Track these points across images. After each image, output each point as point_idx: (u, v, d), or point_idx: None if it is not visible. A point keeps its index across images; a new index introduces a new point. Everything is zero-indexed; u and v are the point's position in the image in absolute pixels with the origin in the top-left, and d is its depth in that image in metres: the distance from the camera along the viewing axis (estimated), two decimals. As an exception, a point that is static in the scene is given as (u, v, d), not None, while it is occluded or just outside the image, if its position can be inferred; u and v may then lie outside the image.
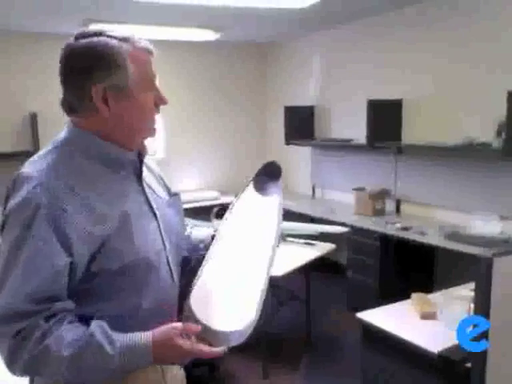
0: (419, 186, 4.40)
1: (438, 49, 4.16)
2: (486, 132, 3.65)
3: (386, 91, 4.60)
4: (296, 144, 5.58)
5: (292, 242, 3.71)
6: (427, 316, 2.21)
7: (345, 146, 5.09)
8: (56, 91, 5.18)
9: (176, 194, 1.36)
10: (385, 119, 4.43)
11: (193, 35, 5.27)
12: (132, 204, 1.17)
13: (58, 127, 5.20)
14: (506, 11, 3.61)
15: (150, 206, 1.22)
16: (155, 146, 5.81)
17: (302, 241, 3.76)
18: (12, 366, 1.05)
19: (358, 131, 4.75)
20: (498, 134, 3.46)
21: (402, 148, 4.45)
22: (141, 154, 1.24)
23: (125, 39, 1.15)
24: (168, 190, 1.36)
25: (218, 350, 1.09)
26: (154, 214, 1.22)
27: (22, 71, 5.24)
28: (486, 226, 3.54)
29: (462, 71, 3.97)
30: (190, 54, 5.89)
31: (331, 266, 5.06)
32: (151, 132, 1.22)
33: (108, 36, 1.14)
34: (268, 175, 1.47)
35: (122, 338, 1.06)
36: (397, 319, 2.23)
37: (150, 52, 1.20)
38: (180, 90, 5.81)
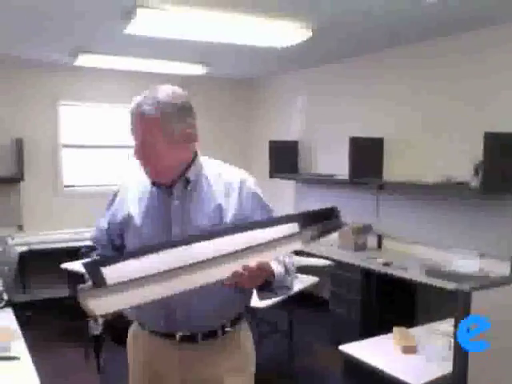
0: (400, 221, 4.49)
1: (418, 89, 4.32)
2: (463, 170, 3.77)
3: (368, 129, 4.74)
4: (280, 177, 5.66)
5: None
6: (408, 350, 2.25)
7: (328, 181, 5.19)
8: (41, 118, 5.27)
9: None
10: (366, 156, 4.55)
11: (181, 69, 5.38)
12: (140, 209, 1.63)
13: (42, 153, 5.27)
14: (482, 54, 3.79)
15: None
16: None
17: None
18: None
19: (340, 167, 4.85)
20: (476, 172, 3.58)
21: (383, 185, 4.56)
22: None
23: None
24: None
25: None
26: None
27: (10, 97, 5.27)
28: (465, 263, 3.62)
29: (441, 112, 4.12)
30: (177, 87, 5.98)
31: (314, 300, 5.07)
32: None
33: None
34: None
35: None
36: (378, 352, 2.26)
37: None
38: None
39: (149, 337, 1.65)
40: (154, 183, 1.60)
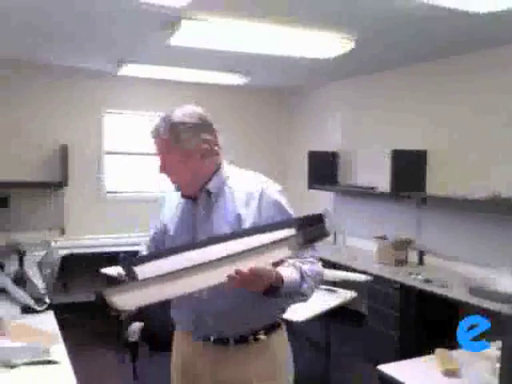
0: (443, 237, 4.36)
1: (463, 100, 4.20)
2: (511, 187, 3.63)
3: (410, 140, 4.64)
4: (319, 189, 5.60)
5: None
6: (450, 373, 2.15)
7: (368, 193, 5.10)
8: (85, 125, 5.39)
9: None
10: (409, 169, 4.45)
11: (221, 79, 5.43)
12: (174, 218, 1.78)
13: (86, 159, 5.38)
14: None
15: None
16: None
17: (324, 286, 3.73)
18: None
19: (381, 178, 4.76)
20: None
21: (425, 198, 4.44)
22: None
23: None
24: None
25: None
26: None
27: (56, 105, 5.44)
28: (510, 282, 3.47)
29: (487, 123, 3.99)
30: (217, 97, 6.03)
31: (351, 314, 4.97)
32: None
33: None
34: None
35: None
36: (419, 375, 2.17)
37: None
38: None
39: (186, 338, 1.76)
40: (183, 195, 1.74)
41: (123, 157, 5.89)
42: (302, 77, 5.59)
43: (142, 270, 1.46)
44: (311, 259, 1.63)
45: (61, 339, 2.37)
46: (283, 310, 1.75)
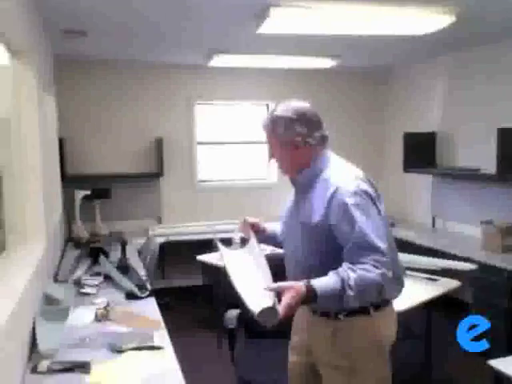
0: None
1: None
2: None
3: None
4: (416, 172, 5.33)
5: (412, 276, 3.50)
6: None
7: (471, 176, 4.76)
8: (178, 118, 5.55)
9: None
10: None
11: (310, 63, 5.32)
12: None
13: (179, 150, 5.54)
14: None
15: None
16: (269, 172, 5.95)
17: (424, 275, 3.54)
18: None
19: (486, 159, 4.42)
20: None
21: (538, 179, 4.05)
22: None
23: None
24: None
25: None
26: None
27: (151, 99, 5.65)
28: None
29: None
30: (307, 82, 5.93)
31: (454, 304, 4.70)
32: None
33: None
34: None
35: None
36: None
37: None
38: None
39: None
40: (290, 179, 1.99)
41: (214, 146, 6.00)
42: (396, 55, 5.32)
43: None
44: (367, 266, 1.64)
45: (163, 325, 2.45)
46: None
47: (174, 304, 5.02)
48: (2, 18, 2.17)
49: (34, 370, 1.97)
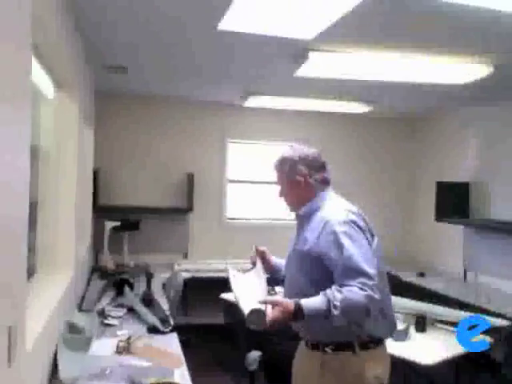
0: None
1: None
2: None
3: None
4: (448, 222, 5.22)
5: (442, 328, 3.38)
6: None
7: (508, 229, 4.62)
8: (210, 154, 5.60)
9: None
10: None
11: (345, 107, 5.37)
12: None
13: (210, 187, 5.58)
14: None
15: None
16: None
17: (453, 329, 3.41)
18: None
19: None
20: None
21: None
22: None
23: None
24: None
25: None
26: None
27: (185, 135, 5.76)
28: None
29: None
30: (341, 125, 5.96)
31: (484, 361, 4.49)
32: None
33: None
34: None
35: None
36: None
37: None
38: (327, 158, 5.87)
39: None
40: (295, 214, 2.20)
41: (244, 185, 6.04)
42: (430, 103, 5.32)
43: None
44: (353, 288, 1.76)
45: (183, 361, 2.42)
46: (357, 332, 1.91)
47: (194, 341, 4.95)
48: (52, 53, 2.28)
49: (53, 398, 1.96)
